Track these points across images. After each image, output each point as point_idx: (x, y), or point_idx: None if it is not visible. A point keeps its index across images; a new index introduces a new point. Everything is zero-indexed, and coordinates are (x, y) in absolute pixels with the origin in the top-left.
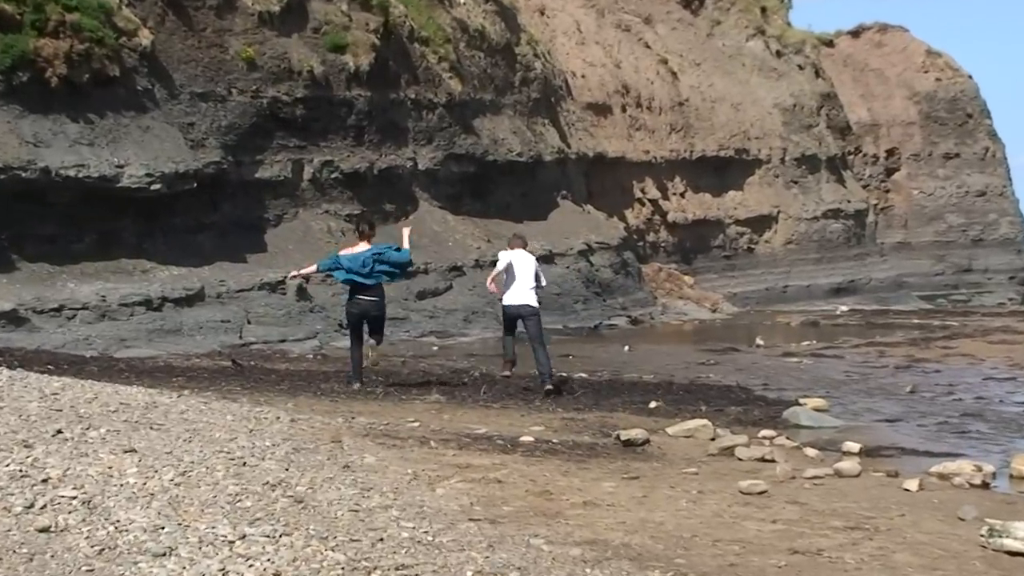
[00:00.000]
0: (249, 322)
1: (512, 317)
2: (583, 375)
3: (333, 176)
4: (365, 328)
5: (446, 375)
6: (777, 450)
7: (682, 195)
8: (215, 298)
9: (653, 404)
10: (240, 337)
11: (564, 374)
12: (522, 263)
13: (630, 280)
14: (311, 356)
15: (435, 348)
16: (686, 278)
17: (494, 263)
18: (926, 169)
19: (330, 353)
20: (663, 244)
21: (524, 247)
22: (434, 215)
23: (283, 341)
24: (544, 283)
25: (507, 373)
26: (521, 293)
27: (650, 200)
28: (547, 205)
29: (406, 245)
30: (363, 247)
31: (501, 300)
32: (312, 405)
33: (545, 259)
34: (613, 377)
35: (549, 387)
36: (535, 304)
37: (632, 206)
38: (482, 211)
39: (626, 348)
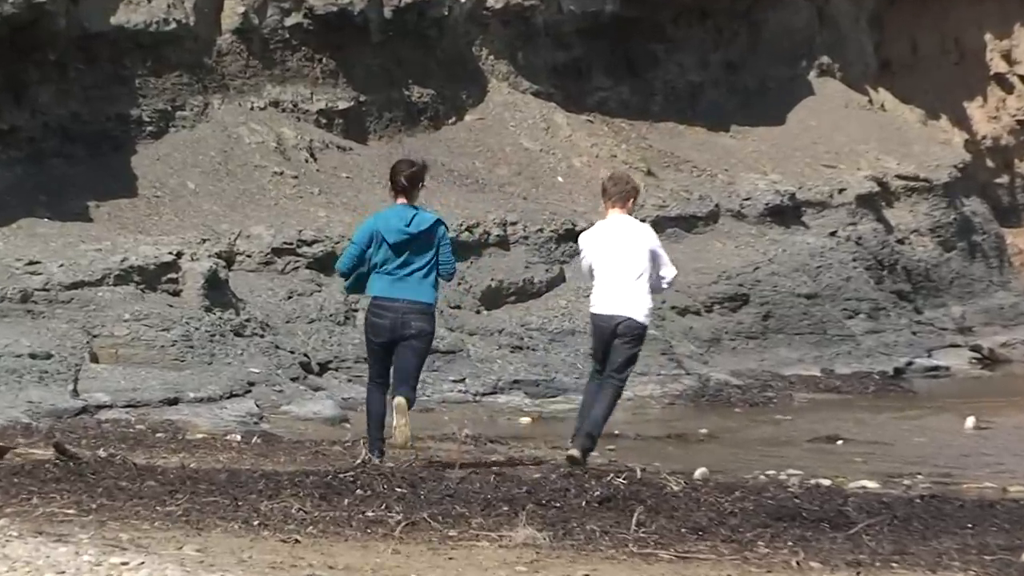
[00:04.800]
0: (96, 359)
1: (604, 336)
2: (869, 484)
3: (290, 24)
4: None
5: (548, 483)
6: None
7: None
8: (18, 303)
9: None
10: (75, 392)
11: (824, 482)
12: (618, 240)
13: (977, 263)
14: (239, 437)
15: (525, 420)
16: None
17: (665, 221)
18: None
19: (280, 429)
20: None
21: (629, 208)
22: (523, 113)
23: (174, 402)
24: (670, 276)
25: (575, 452)
26: (615, 295)
27: None
28: (783, 93)
29: None
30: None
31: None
32: (240, 549)
33: (780, 214)
34: (940, 489)
35: (574, 452)
36: (641, 319)
37: (983, 94)
38: (635, 105)
39: (970, 422)
